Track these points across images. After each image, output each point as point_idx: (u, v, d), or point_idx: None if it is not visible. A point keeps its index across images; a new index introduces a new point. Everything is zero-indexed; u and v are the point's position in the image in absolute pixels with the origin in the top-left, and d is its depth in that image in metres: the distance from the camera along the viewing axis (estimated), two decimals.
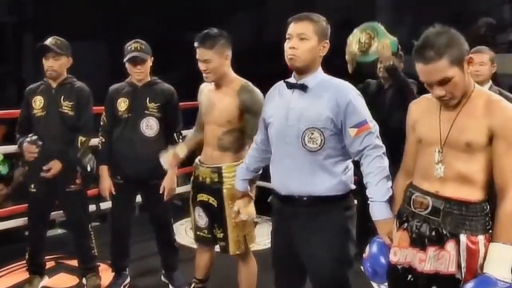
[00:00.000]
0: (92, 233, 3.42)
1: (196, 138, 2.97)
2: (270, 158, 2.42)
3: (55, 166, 3.16)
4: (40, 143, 3.07)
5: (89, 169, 3.32)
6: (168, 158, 2.90)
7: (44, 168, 3.14)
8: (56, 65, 3.19)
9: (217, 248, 2.92)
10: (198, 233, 2.89)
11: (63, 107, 3.21)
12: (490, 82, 3.34)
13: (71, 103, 3.22)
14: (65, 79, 3.26)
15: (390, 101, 3.66)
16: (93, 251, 3.41)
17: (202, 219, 2.83)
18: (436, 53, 1.76)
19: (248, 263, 2.88)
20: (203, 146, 2.86)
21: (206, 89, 2.81)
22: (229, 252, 2.77)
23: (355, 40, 3.57)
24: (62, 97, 3.22)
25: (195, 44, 2.63)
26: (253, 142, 2.54)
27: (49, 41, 3.20)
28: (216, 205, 2.75)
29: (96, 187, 3.70)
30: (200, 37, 2.62)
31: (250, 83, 2.71)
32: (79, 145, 3.22)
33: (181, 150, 2.93)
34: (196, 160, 2.88)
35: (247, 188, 2.58)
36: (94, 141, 3.36)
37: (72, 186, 3.28)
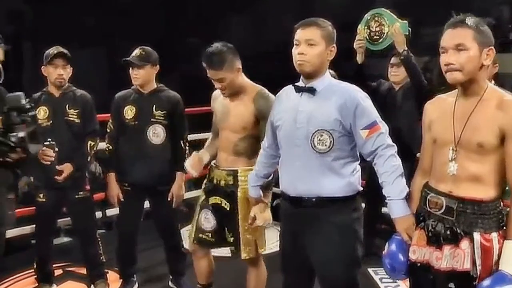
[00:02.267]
0: (99, 239, 3.44)
1: (215, 144, 2.94)
2: (278, 163, 2.46)
3: (66, 168, 3.16)
4: (57, 149, 3.06)
5: (97, 174, 3.37)
6: (193, 161, 2.84)
7: (58, 168, 3.13)
8: (65, 73, 3.22)
9: (227, 253, 2.91)
10: (200, 235, 2.85)
11: (69, 115, 3.23)
12: (492, 82, 3.36)
13: (76, 110, 3.24)
14: (67, 87, 3.29)
15: (400, 102, 3.67)
16: (101, 258, 3.42)
17: (209, 222, 2.82)
18: (467, 24, 1.83)
19: (258, 268, 2.88)
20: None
21: (220, 97, 2.81)
22: (240, 256, 2.77)
23: (364, 28, 3.54)
24: (67, 105, 3.24)
25: (204, 65, 2.63)
26: (261, 148, 2.57)
27: (57, 49, 3.21)
28: (228, 208, 2.75)
29: (102, 193, 3.73)
30: (207, 58, 2.61)
31: (265, 90, 2.73)
32: (88, 149, 3.26)
33: (205, 155, 2.90)
34: (212, 163, 2.88)
35: (260, 194, 2.60)
36: (100, 146, 3.38)
37: (81, 193, 3.30)
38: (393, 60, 3.74)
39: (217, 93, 2.86)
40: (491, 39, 1.87)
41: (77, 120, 3.24)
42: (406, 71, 3.56)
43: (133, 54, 3.20)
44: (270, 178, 2.61)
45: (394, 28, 3.39)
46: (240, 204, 2.72)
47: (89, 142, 3.27)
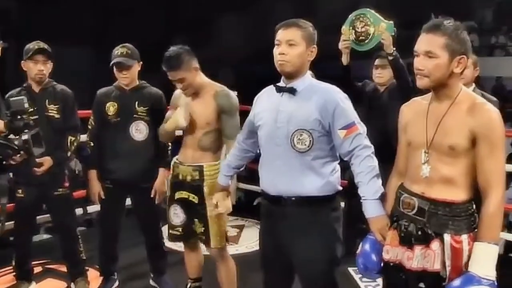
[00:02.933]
0: (79, 236, 3.41)
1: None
2: (251, 157, 2.59)
3: (46, 162, 3.12)
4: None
5: (76, 171, 3.35)
6: (185, 113, 2.81)
7: (38, 161, 3.06)
8: (46, 69, 3.18)
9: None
10: (171, 231, 2.98)
11: (49, 111, 3.20)
12: (473, 85, 3.40)
13: (56, 106, 3.21)
14: (47, 82, 3.25)
15: (386, 103, 3.66)
16: (81, 255, 3.40)
17: (178, 217, 2.93)
18: (440, 30, 1.85)
19: (226, 261, 2.98)
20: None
21: (182, 96, 2.92)
22: (210, 245, 2.87)
23: (349, 29, 3.52)
24: (47, 100, 3.20)
25: (164, 69, 2.77)
26: (235, 141, 2.66)
27: (37, 44, 3.17)
28: (197, 202, 2.86)
29: (82, 190, 3.70)
30: (166, 62, 2.76)
31: (224, 87, 2.89)
32: (69, 144, 3.23)
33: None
34: (174, 159, 2.97)
35: (229, 183, 2.69)
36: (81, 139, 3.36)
37: (60, 190, 3.27)
38: (377, 61, 3.75)
39: (177, 93, 2.98)
40: (466, 46, 1.87)
41: (57, 116, 3.21)
42: (393, 72, 3.57)
43: (117, 53, 3.17)
44: (241, 169, 2.72)
45: (381, 29, 3.39)
46: (207, 198, 2.82)
47: (70, 137, 3.24)
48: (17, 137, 2.74)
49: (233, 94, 2.88)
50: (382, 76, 3.74)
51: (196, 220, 2.88)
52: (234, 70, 11.45)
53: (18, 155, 2.71)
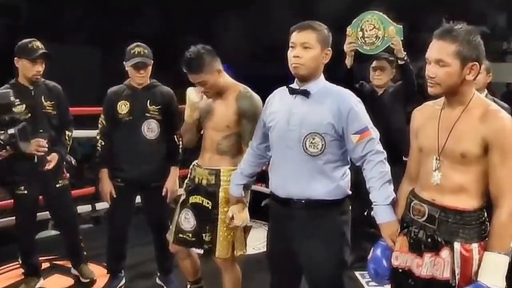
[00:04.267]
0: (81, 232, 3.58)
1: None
2: (264, 163, 2.51)
3: (54, 158, 3.22)
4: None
5: (73, 162, 3.49)
6: (197, 92, 2.73)
7: (48, 159, 3.20)
8: (42, 70, 3.23)
9: (198, 251, 2.91)
10: (180, 235, 2.85)
11: (46, 108, 3.25)
12: (486, 91, 3.39)
13: (52, 102, 3.28)
14: (39, 79, 3.27)
15: (388, 106, 3.65)
16: (81, 243, 3.55)
17: (188, 222, 2.82)
18: (452, 37, 1.82)
19: (232, 271, 2.85)
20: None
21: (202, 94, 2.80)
22: (215, 254, 2.73)
23: (356, 31, 3.49)
24: (43, 97, 3.25)
25: (184, 70, 2.64)
26: (248, 147, 2.59)
27: (39, 47, 3.19)
28: (210, 207, 2.74)
29: (91, 187, 3.74)
30: (186, 63, 2.62)
31: (248, 89, 2.74)
32: (67, 139, 3.35)
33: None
34: (194, 163, 2.89)
35: (242, 193, 2.62)
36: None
37: (61, 181, 3.38)
38: (375, 63, 3.71)
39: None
40: (479, 52, 1.85)
41: (53, 112, 3.28)
42: (402, 76, 3.55)
43: (134, 52, 3.16)
44: (254, 178, 2.63)
45: (391, 33, 3.37)
46: (221, 204, 2.72)
47: (67, 132, 3.37)
48: (3, 131, 2.75)
49: (257, 97, 2.71)
50: (381, 78, 3.71)
51: (207, 227, 2.75)
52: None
53: (4, 150, 2.72)
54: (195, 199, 2.81)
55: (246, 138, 2.67)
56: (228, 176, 2.70)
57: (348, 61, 3.57)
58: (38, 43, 3.20)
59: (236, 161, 2.72)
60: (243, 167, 2.58)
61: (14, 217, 3.47)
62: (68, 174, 3.50)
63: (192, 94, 2.72)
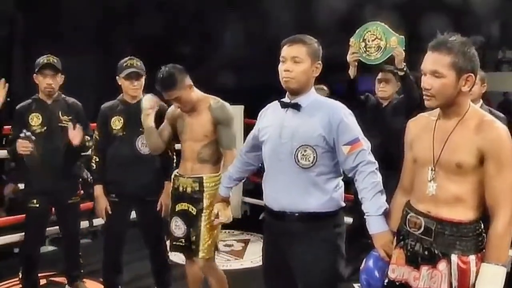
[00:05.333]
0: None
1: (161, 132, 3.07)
2: (253, 170, 2.66)
3: (78, 132, 3.29)
4: (33, 138, 3.17)
5: (89, 180, 3.53)
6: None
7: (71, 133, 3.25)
8: (55, 82, 3.31)
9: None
10: (174, 243, 3.01)
11: (63, 122, 3.33)
12: (481, 101, 3.39)
13: (69, 117, 3.36)
14: (58, 95, 3.40)
15: (390, 118, 3.64)
16: (80, 259, 3.60)
17: (179, 229, 2.96)
18: (447, 48, 1.82)
19: (216, 272, 3.04)
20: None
21: (178, 110, 2.98)
22: (199, 255, 2.90)
23: (359, 42, 3.50)
24: (60, 112, 3.35)
25: (159, 89, 2.85)
26: (232, 151, 2.84)
27: (47, 58, 3.28)
28: (194, 213, 2.90)
29: (89, 202, 3.76)
30: (160, 83, 2.82)
31: (218, 99, 2.95)
32: (87, 143, 3.38)
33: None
34: (175, 172, 3.03)
35: (229, 194, 2.72)
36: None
37: (73, 198, 3.45)
38: (380, 75, 3.73)
39: (173, 108, 3.04)
40: (474, 63, 1.85)
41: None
42: (402, 87, 3.57)
43: (127, 64, 3.20)
44: (241, 181, 2.76)
45: (393, 43, 3.38)
46: (205, 209, 2.88)
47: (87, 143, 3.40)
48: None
49: (228, 105, 2.94)
50: (385, 90, 3.73)
51: (191, 229, 2.92)
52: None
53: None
54: (181, 206, 2.96)
55: (223, 142, 2.89)
56: (211, 183, 2.90)
57: (351, 72, 3.59)
58: (48, 57, 3.30)
59: (217, 168, 2.95)
60: (232, 172, 2.66)
61: (14, 235, 3.50)
62: (82, 191, 3.57)
63: (145, 101, 2.97)
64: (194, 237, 2.90)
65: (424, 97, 1.91)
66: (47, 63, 3.25)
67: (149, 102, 2.97)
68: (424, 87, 1.88)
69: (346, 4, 10.18)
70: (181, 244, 2.98)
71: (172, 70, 2.83)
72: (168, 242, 3.12)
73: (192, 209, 2.91)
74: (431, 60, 1.86)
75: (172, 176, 3.05)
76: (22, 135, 3.15)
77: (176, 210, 2.97)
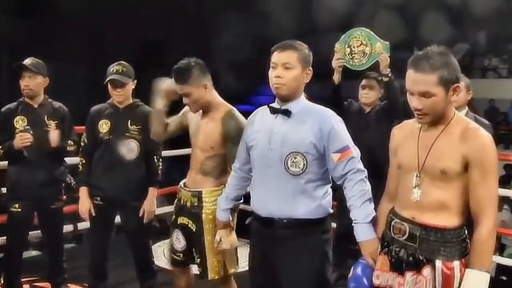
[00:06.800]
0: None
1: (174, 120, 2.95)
2: (249, 185, 2.50)
3: (54, 134, 3.24)
4: (31, 132, 3.17)
5: (72, 184, 3.50)
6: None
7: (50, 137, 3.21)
8: (32, 84, 3.26)
9: (196, 270, 2.90)
10: (173, 256, 2.89)
11: (48, 126, 3.28)
12: (466, 108, 3.41)
13: (55, 121, 3.32)
14: (45, 99, 3.36)
15: (374, 124, 3.64)
16: (64, 265, 3.54)
17: (179, 242, 2.84)
18: (430, 66, 1.81)
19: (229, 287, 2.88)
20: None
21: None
22: (208, 277, 2.76)
23: (344, 47, 3.51)
24: (46, 116, 3.31)
25: (172, 79, 2.69)
26: (232, 170, 2.58)
27: (25, 61, 3.26)
28: (195, 230, 2.76)
29: (73, 205, 3.73)
30: (174, 73, 2.66)
31: (235, 110, 2.74)
32: (68, 147, 3.34)
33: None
34: (181, 183, 2.90)
35: (229, 217, 2.61)
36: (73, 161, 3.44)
37: (56, 203, 3.40)
38: (364, 81, 3.73)
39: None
40: (457, 71, 1.85)
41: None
42: (386, 93, 3.57)
43: (112, 70, 3.18)
44: (240, 200, 2.63)
45: (378, 49, 3.39)
46: (205, 225, 2.73)
47: (70, 142, 3.36)
48: None
49: (242, 119, 2.67)
50: (368, 96, 3.72)
51: (194, 249, 2.79)
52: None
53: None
54: (182, 220, 2.83)
55: (231, 160, 2.62)
56: (210, 197, 2.72)
57: (336, 77, 3.60)
58: (27, 60, 3.27)
59: (219, 182, 2.72)
60: (228, 191, 2.57)
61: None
62: (64, 196, 3.52)
63: (163, 83, 2.77)
64: (199, 259, 2.76)
65: (416, 116, 1.90)
66: (20, 64, 3.23)
67: (166, 85, 2.77)
68: (415, 108, 1.87)
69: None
70: (178, 258, 2.87)
71: (191, 64, 2.66)
72: (167, 253, 3.04)
73: (192, 225, 2.77)
74: (418, 82, 1.83)
75: (179, 185, 2.91)
76: (20, 128, 3.18)
77: (178, 222, 2.84)
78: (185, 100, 2.71)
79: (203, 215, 2.73)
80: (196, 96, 2.67)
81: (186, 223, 2.79)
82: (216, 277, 2.76)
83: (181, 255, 2.85)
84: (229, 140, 2.66)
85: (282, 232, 2.25)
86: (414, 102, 1.86)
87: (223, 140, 2.68)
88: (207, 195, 2.73)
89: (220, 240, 2.59)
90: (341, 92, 3.67)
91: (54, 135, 3.24)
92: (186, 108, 2.86)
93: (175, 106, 2.94)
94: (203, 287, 3.05)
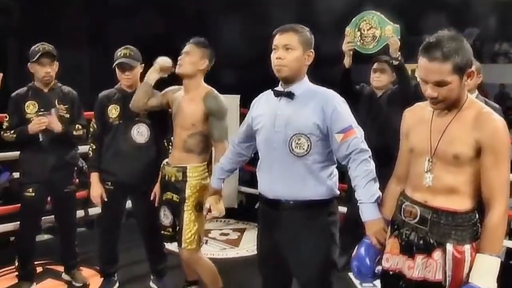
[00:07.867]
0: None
1: None
2: (244, 161, 2.63)
3: (52, 119, 3.24)
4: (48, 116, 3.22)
5: (84, 168, 3.59)
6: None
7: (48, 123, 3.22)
8: (52, 70, 3.31)
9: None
10: (163, 232, 3.06)
11: (60, 110, 3.32)
12: (476, 92, 3.39)
13: (65, 105, 3.36)
14: (54, 84, 3.38)
15: (385, 108, 3.63)
16: (76, 249, 3.59)
17: (167, 218, 3.02)
18: (443, 55, 1.78)
19: (203, 262, 3.04)
20: None
21: (177, 93, 3.02)
22: (181, 245, 2.92)
23: (354, 31, 3.50)
24: (56, 100, 3.34)
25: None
26: (224, 143, 2.81)
27: (43, 47, 3.26)
28: (178, 202, 2.92)
29: (84, 191, 3.76)
30: (193, 39, 2.94)
31: (215, 90, 2.93)
32: (74, 132, 3.36)
33: None
34: (164, 162, 3.05)
35: (221, 186, 2.70)
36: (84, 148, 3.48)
37: (69, 187, 3.44)
38: (376, 65, 3.72)
39: (174, 89, 3.08)
40: (470, 56, 1.82)
41: (66, 115, 3.35)
42: (397, 77, 3.55)
43: (120, 54, 3.19)
44: (233, 172, 2.76)
45: (388, 32, 3.37)
46: (188, 199, 2.91)
47: (77, 125, 3.38)
48: None
49: (222, 97, 2.93)
50: (380, 80, 3.71)
51: (176, 220, 2.96)
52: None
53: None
54: (167, 195, 3.00)
55: (215, 134, 2.88)
56: (194, 173, 2.91)
57: (347, 61, 3.60)
58: (43, 46, 3.28)
59: (202, 158, 2.96)
60: (224, 163, 2.65)
61: (10, 223, 3.49)
62: (77, 180, 3.59)
63: (161, 60, 3.03)
64: (177, 228, 2.94)
65: (430, 103, 1.88)
66: (44, 51, 3.23)
67: (163, 62, 3.02)
68: (430, 96, 1.84)
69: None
70: (168, 233, 3.03)
71: (206, 42, 2.94)
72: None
73: (176, 198, 2.93)
74: (432, 71, 1.80)
75: (161, 165, 3.05)
76: (32, 113, 3.23)
77: (164, 199, 3.01)
78: (180, 62, 2.89)
79: (187, 190, 2.90)
80: (193, 58, 2.88)
81: (171, 197, 2.97)
82: (189, 247, 2.91)
83: (170, 229, 3.01)
84: (211, 115, 2.87)
85: (289, 213, 2.27)
86: (429, 90, 1.84)
87: (205, 118, 2.88)
88: (191, 170, 2.91)
89: (210, 208, 2.67)
90: (351, 76, 3.66)
91: (53, 121, 3.23)
92: (168, 89, 3.08)
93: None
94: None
